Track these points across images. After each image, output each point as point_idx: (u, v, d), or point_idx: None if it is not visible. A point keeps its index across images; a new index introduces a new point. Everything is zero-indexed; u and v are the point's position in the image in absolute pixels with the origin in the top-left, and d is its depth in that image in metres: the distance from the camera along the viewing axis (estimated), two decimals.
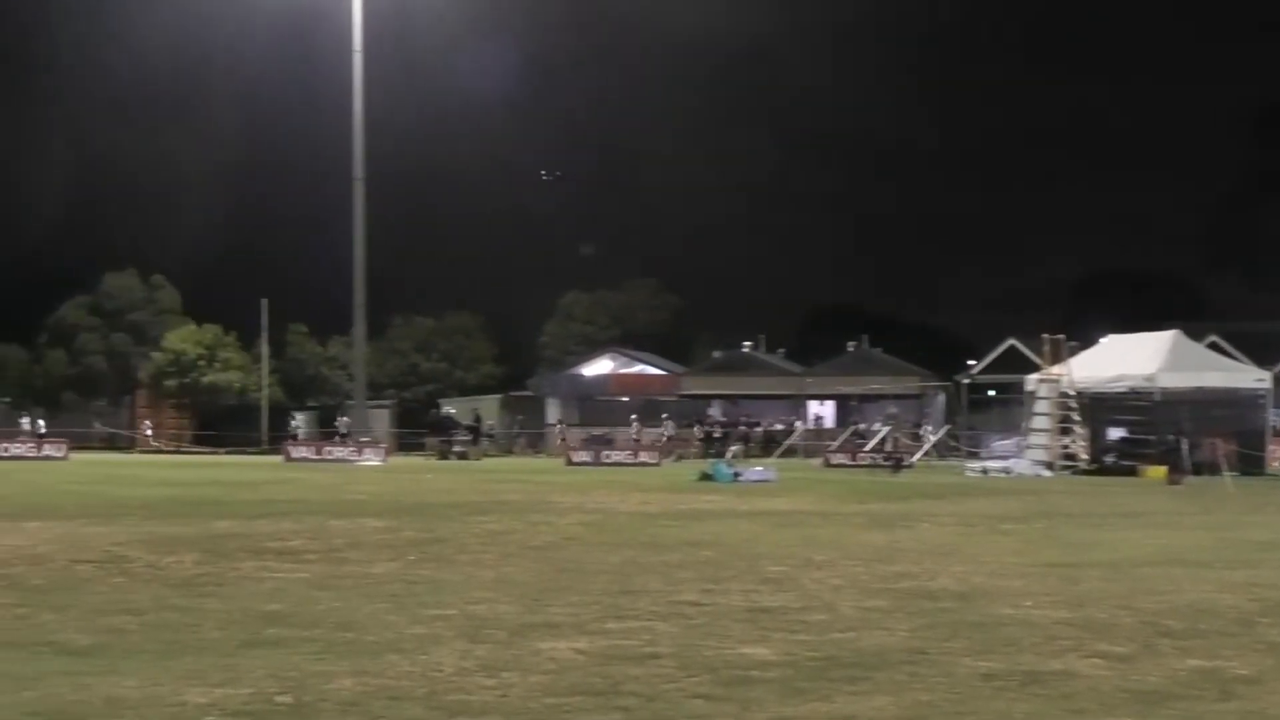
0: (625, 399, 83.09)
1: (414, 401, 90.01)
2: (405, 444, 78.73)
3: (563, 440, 73.69)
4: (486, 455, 69.47)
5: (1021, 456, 50.97)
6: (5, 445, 61.84)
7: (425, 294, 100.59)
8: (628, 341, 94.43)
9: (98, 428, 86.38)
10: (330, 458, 61.46)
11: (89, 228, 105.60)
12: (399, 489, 34.27)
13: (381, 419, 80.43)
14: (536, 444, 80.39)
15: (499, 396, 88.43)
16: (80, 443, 71.60)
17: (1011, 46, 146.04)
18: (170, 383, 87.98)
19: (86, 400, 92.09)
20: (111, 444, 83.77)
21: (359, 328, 72.73)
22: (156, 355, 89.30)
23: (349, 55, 69.63)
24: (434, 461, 63.83)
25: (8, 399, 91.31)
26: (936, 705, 8.25)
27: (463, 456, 65.79)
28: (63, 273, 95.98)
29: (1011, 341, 73.29)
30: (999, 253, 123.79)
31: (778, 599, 12.84)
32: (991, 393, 71.11)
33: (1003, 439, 61.76)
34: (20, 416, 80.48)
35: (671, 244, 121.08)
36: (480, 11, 78.87)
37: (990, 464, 50.66)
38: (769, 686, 8.69)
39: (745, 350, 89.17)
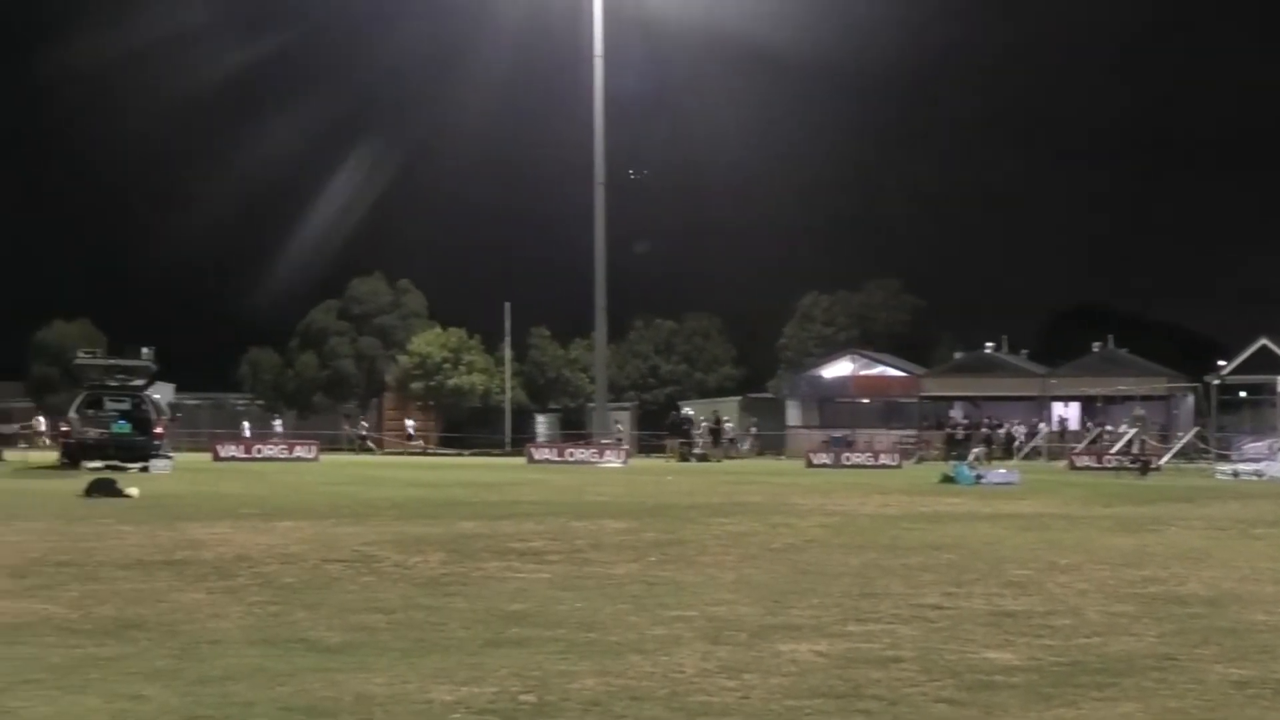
0: (865, 401, 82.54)
1: (654, 403, 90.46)
2: (646, 446, 79.13)
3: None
4: (727, 457, 69.54)
5: (1275, 459, 49.51)
6: (259, 447, 63.60)
7: (666, 296, 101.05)
8: (867, 343, 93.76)
9: (348, 429, 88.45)
10: (572, 460, 62.07)
11: (338, 233, 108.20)
12: (640, 491, 34.45)
13: (622, 421, 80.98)
14: (776, 446, 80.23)
15: (738, 398, 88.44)
16: (331, 445, 73.40)
17: (1257, 38, 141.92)
18: (416, 385, 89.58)
19: (336, 403, 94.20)
20: (360, 445, 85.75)
21: (600, 330, 73.34)
22: (403, 358, 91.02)
23: (590, 59, 70.25)
24: (674, 463, 64.05)
25: (261, 401, 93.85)
26: (1186, 713, 8.04)
27: (703, 458, 65.95)
28: (313, 278, 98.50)
29: (1264, 341, 71.24)
30: (1251, 250, 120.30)
31: (1021, 603, 12.63)
32: (1243, 394, 69.22)
33: (1255, 441, 60.08)
34: (273, 418, 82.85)
35: (913, 243, 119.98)
36: (719, 13, 78.80)
37: (1241, 467, 49.30)
38: (1013, 692, 8.55)
39: (987, 351, 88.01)
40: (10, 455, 53.95)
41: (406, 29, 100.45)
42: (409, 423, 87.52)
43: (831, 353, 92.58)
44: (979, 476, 39.49)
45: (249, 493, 30.81)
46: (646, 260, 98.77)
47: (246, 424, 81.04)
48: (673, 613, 11.77)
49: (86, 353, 53.61)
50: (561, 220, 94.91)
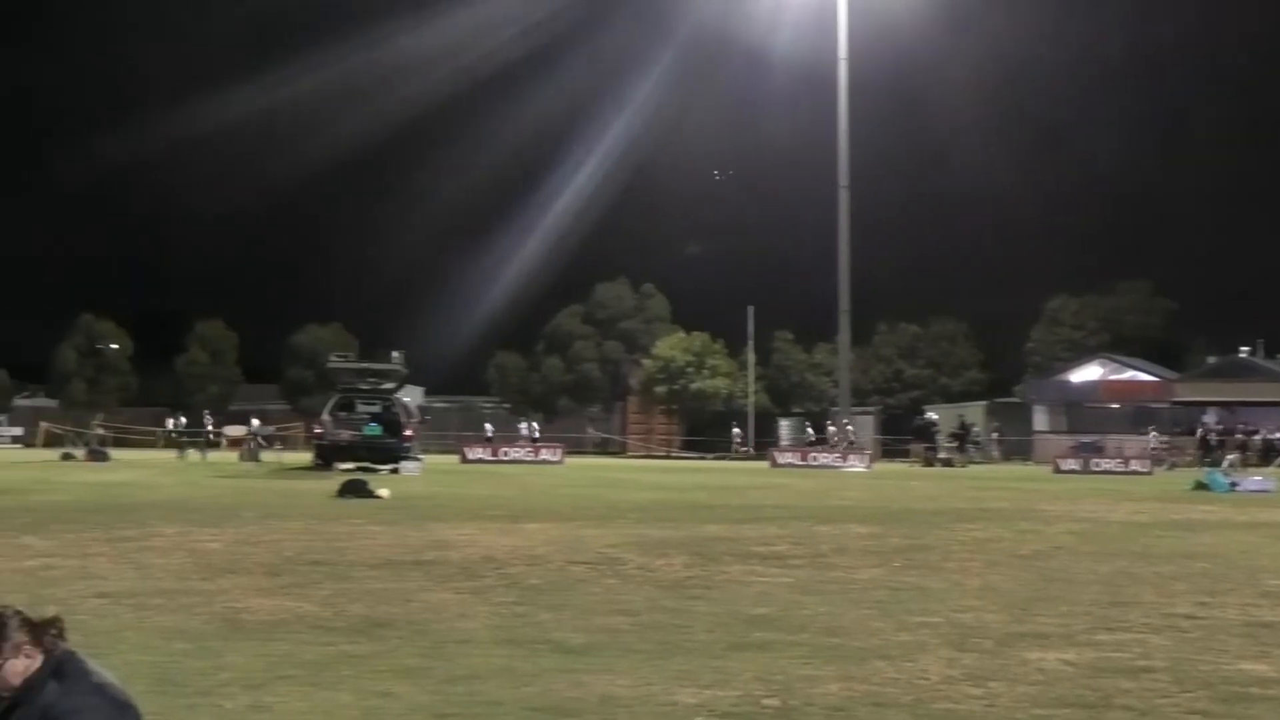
0: (1115, 406, 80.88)
1: (898, 408, 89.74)
2: (890, 450, 78.55)
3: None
4: (971, 462, 68.71)
5: None
6: (505, 449, 64.49)
7: (910, 300, 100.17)
8: (1117, 347, 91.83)
9: (591, 432, 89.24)
10: (815, 464, 61.87)
11: (584, 238, 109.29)
12: (884, 495, 34.20)
13: (866, 425, 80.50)
14: (1022, 451, 79.05)
15: (984, 403, 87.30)
16: (575, 448, 74.15)
17: None
18: (660, 389, 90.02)
19: (581, 406, 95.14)
20: (604, 448, 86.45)
21: (843, 334, 72.96)
22: (647, 362, 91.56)
23: (833, 62, 69.97)
24: (918, 468, 63.48)
25: (508, 405, 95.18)
26: None
27: (947, 463, 65.28)
28: (558, 282, 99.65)
29: None
30: None
31: (1279, 614, 12.26)
32: None
33: None
34: (519, 422, 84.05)
35: (1165, 245, 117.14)
36: (962, 14, 77.92)
37: None
38: (1269, 705, 8.29)
39: (1242, 356, 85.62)
40: (266, 456, 55.49)
41: (649, 31, 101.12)
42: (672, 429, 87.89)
43: (1080, 357, 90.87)
44: (1234, 484, 38.43)
45: (496, 495, 31.27)
46: (891, 264, 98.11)
47: (489, 426, 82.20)
48: (917, 619, 11.66)
49: (339, 356, 54.90)
50: (805, 223, 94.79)
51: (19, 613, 5.18)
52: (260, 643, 10.10)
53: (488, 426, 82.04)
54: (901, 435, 78.74)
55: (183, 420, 75.50)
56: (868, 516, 25.04)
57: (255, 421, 62.92)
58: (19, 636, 5.08)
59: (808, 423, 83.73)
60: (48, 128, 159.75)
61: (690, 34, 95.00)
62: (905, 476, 51.03)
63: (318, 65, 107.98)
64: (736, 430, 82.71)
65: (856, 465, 61.16)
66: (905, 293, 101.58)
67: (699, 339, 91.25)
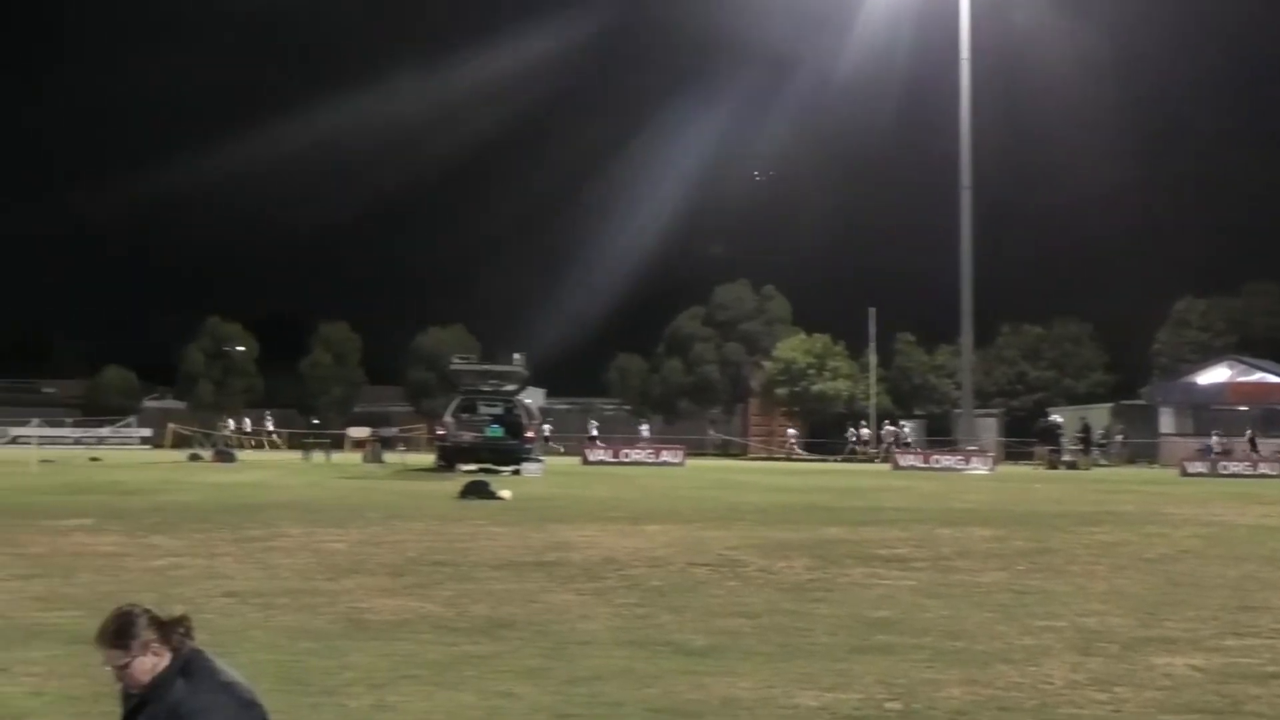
0: (1243, 408, 79.62)
1: (1021, 410, 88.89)
2: (1013, 453, 77.85)
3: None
4: (1096, 465, 67.94)
5: None
6: (625, 451, 64.59)
7: (1034, 301, 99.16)
8: (1245, 348, 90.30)
9: (711, 434, 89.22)
10: (938, 466, 61.46)
11: (703, 240, 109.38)
12: (1007, 498, 33.88)
13: (989, 428, 79.81)
14: (1148, 454, 78.03)
15: (1109, 405, 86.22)
16: (696, 450, 74.13)
17: None
18: (781, 391, 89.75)
19: (701, 408, 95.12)
20: (725, 450, 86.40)
21: (966, 336, 72.36)
22: (767, 364, 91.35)
23: (954, 62, 69.49)
24: (1042, 470, 62.85)
25: (628, 406, 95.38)
26: None
27: (1072, 466, 64.59)
28: (679, 284, 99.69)
29: None
30: None
31: None
32: None
33: None
34: (639, 423, 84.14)
35: None
36: (1086, 15, 77.08)
37: None
38: None
39: None
40: (389, 457, 55.98)
41: (764, 32, 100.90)
42: (791, 432, 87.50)
43: (1207, 359, 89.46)
44: None
45: (617, 496, 31.33)
46: (1013, 264, 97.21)
47: (594, 423, 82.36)
48: (1041, 622, 11.56)
49: (461, 358, 55.17)
50: (927, 224, 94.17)
51: (147, 611, 5.27)
52: (384, 642, 10.20)
53: (593, 424, 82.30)
54: (1025, 438, 77.92)
55: (240, 424, 78.46)
56: (991, 519, 24.83)
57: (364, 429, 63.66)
58: (147, 635, 5.18)
59: (862, 424, 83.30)
60: (177, 132, 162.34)
61: (807, 34, 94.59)
62: (1029, 479, 50.49)
63: (445, 69, 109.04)
64: (865, 431, 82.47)
65: (980, 468, 60.63)
66: (1029, 294, 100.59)
67: (820, 341, 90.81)
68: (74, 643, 9.72)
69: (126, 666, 5.16)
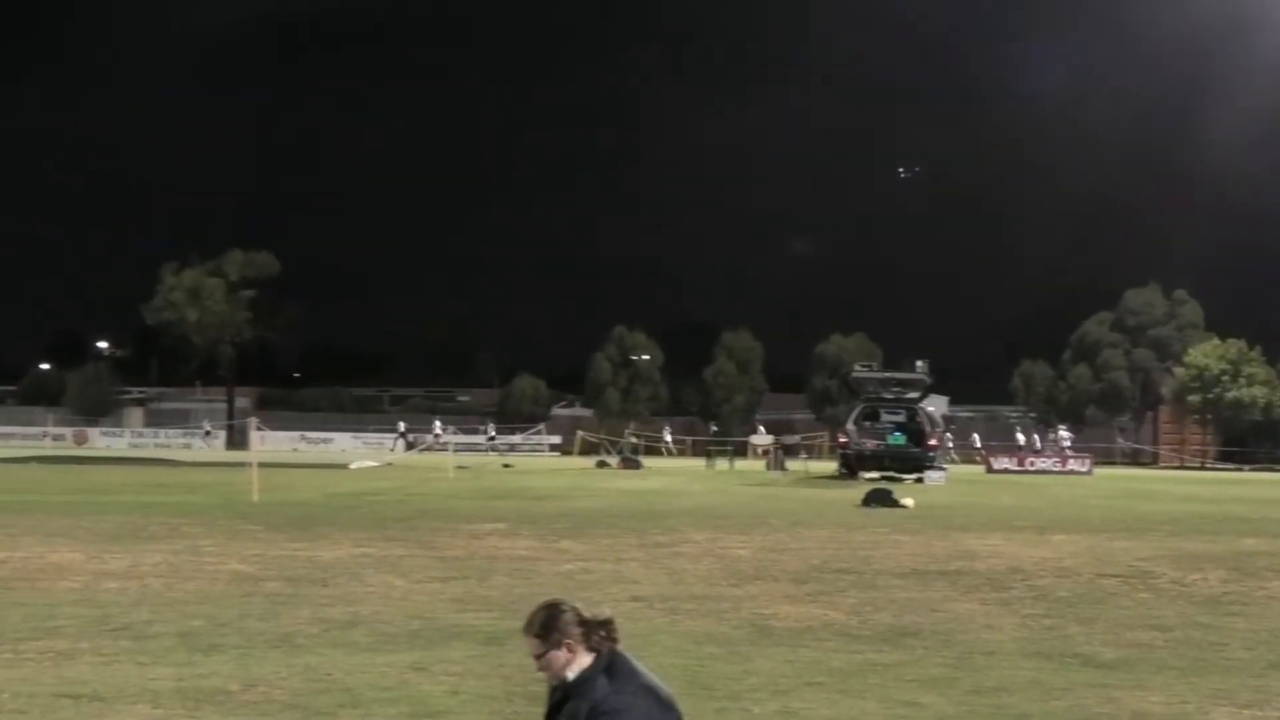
0: None
1: None
2: None
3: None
4: None
5: None
6: (1030, 460, 63.57)
7: None
8: None
9: (1120, 442, 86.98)
10: None
11: (1111, 245, 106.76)
12: None
13: None
14: None
15: None
16: (1104, 458, 72.37)
17: None
18: (1193, 399, 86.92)
19: (1109, 415, 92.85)
20: (1134, 459, 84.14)
21: None
22: (1179, 371, 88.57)
23: None
24: None
25: (1034, 414, 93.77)
26: None
27: None
28: (1086, 289, 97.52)
29: None
30: None
31: None
32: None
33: None
34: (1050, 431, 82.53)
35: None
36: None
37: None
38: None
39: None
40: (791, 465, 56.22)
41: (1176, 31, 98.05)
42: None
43: None
44: None
45: (1022, 505, 30.85)
46: None
47: (976, 435, 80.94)
48: None
49: (863, 366, 55.10)
50: None
51: (574, 609, 5.46)
52: (788, 649, 10.28)
53: (975, 436, 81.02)
54: None
55: (402, 425, 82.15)
56: None
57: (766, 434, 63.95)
58: (569, 630, 5.37)
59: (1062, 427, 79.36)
60: (583, 151, 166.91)
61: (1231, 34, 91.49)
62: None
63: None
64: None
65: None
66: None
67: (1235, 346, 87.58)
68: (490, 643, 10.09)
69: (543, 656, 5.37)
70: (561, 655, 5.34)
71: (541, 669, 5.42)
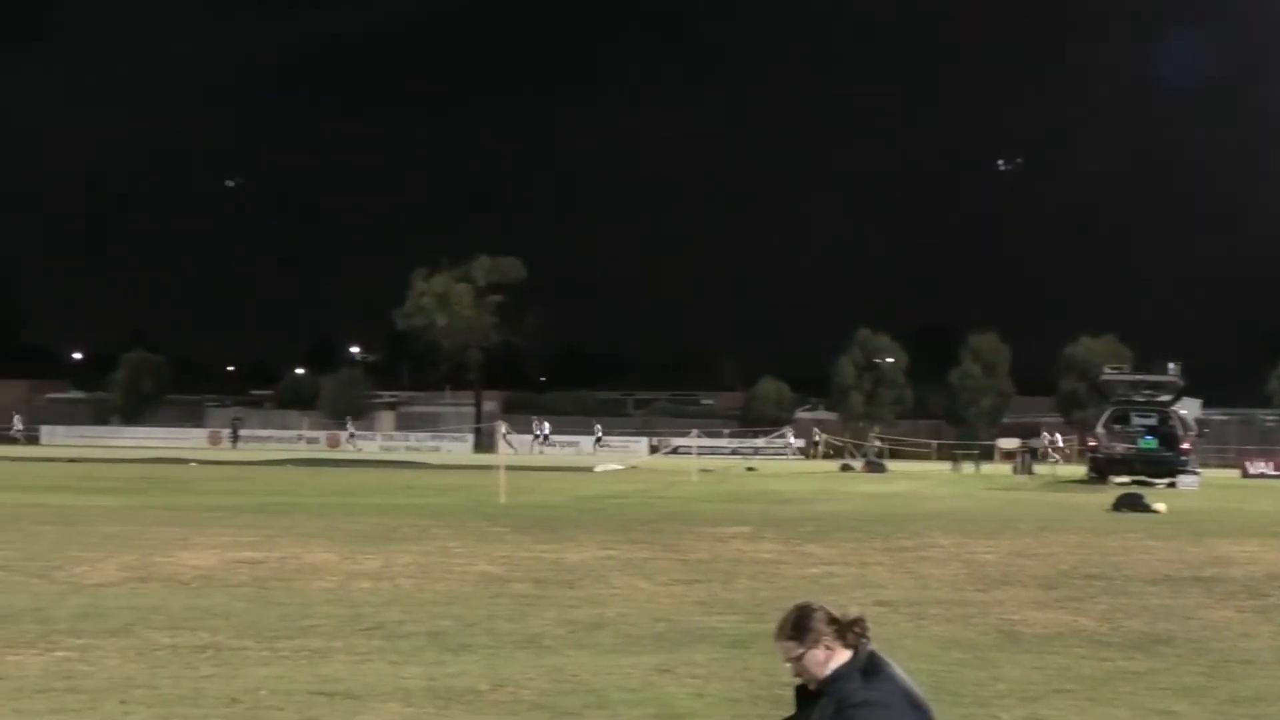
0: None
1: None
2: None
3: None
4: None
5: None
6: None
7: None
8: None
9: None
10: None
11: None
12: None
13: None
14: None
15: None
16: None
17: None
18: None
19: None
20: None
21: None
22: None
23: None
24: None
25: None
26: None
27: None
28: None
29: None
30: None
31: None
32: None
33: None
34: None
35: None
36: None
37: None
38: None
39: None
40: (1039, 469, 55.35)
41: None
42: None
43: None
44: None
45: (1279, 511, 30.00)
46: None
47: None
48: None
49: (1113, 369, 54.07)
50: None
51: (824, 609, 5.47)
52: (1036, 655, 10.15)
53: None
54: None
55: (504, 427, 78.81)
56: None
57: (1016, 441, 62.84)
58: (823, 630, 5.38)
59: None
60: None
61: None
62: None
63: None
64: None
65: None
66: None
67: None
68: (735, 646, 10.12)
69: (800, 658, 5.38)
70: (820, 654, 5.35)
71: (798, 673, 5.43)
